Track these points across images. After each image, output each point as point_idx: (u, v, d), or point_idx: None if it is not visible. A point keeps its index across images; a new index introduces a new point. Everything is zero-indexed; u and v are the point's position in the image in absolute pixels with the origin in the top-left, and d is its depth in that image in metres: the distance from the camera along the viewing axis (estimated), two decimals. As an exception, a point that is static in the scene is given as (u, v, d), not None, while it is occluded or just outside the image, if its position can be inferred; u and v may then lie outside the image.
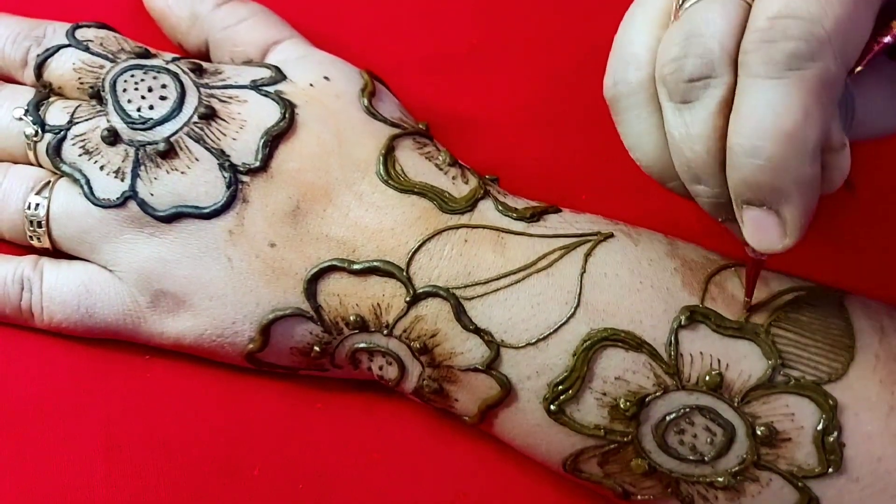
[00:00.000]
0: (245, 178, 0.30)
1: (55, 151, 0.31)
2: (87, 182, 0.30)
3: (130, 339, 0.32)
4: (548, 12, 0.39)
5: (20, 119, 0.31)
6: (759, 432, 0.28)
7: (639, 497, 0.30)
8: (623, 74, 0.26)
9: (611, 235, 0.30)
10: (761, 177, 0.23)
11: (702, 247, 0.32)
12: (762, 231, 0.25)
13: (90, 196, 0.30)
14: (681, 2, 0.25)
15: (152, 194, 0.30)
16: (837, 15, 0.22)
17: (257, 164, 0.30)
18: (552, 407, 0.29)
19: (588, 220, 0.31)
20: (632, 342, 0.28)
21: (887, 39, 0.24)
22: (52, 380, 0.32)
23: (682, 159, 0.25)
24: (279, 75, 0.32)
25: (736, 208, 0.25)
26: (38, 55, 0.32)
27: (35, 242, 0.31)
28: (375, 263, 0.29)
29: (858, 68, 0.24)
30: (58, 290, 0.31)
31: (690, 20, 0.24)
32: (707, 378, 0.28)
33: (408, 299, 0.29)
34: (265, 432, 0.32)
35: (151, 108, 0.30)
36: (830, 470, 0.27)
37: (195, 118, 0.30)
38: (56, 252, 0.32)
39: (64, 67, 0.32)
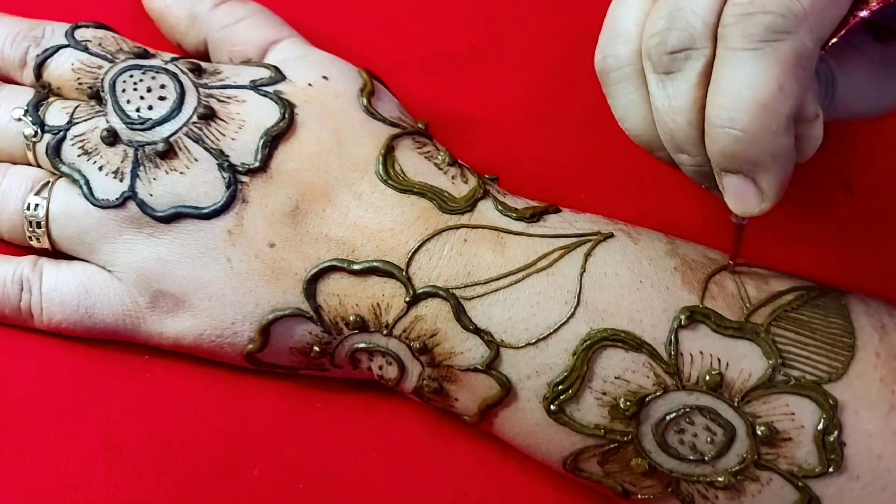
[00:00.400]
0: (244, 179, 0.30)
1: (54, 152, 0.30)
2: (87, 182, 0.30)
3: (130, 339, 0.32)
4: (546, 12, 0.38)
5: (19, 119, 0.31)
6: (759, 432, 0.28)
7: (639, 496, 0.30)
8: (612, 48, 0.27)
9: (610, 235, 0.30)
10: (737, 147, 0.25)
11: (702, 245, 0.32)
12: (741, 197, 0.26)
13: (89, 196, 0.30)
14: None
15: (151, 195, 0.30)
16: None
17: (256, 164, 0.30)
18: (552, 406, 0.29)
19: (588, 219, 0.31)
20: (632, 342, 0.28)
21: (863, 14, 0.25)
22: (52, 380, 0.32)
23: (666, 130, 0.26)
24: (278, 75, 0.32)
25: (716, 175, 0.26)
26: (37, 55, 0.32)
27: (34, 243, 0.31)
28: (375, 263, 0.29)
29: (833, 40, 0.25)
30: (57, 291, 0.31)
31: None
32: (707, 378, 0.28)
33: (407, 299, 0.29)
34: (265, 432, 0.32)
35: (150, 108, 0.30)
36: (831, 469, 0.27)
37: (194, 118, 0.30)
38: (55, 252, 0.32)
39: (63, 68, 0.32)
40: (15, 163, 0.32)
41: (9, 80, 0.33)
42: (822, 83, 0.27)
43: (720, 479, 0.28)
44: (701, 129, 0.26)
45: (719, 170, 0.26)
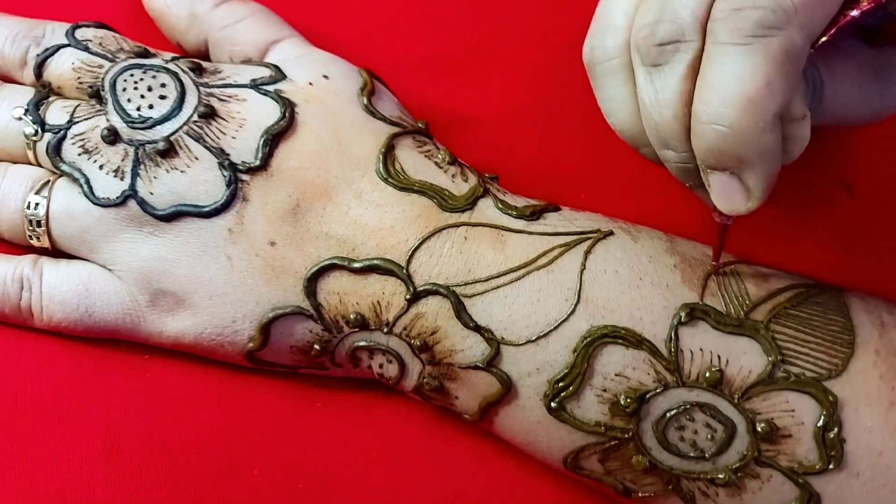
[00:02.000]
0: (245, 177, 0.30)
1: (55, 151, 0.30)
2: (87, 181, 0.30)
3: (130, 338, 0.32)
4: (546, 11, 0.38)
5: (20, 119, 0.31)
6: (759, 429, 0.28)
7: (640, 494, 0.30)
8: (601, 41, 0.27)
9: (610, 233, 0.30)
10: (723, 144, 0.24)
11: (701, 244, 0.32)
12: (727, 195, 0.26)
13: (90, 195, 0.30)
14: None
15: (152, 193, 0.30)
16: None
17: (257, 162, 0.30)
18: (552, 404, 0.29)
19: (587, 217, 0.31)
20: (632, 339, 0.28)
21: (854, 13, 0.24)
22: (52, 379, 0.32)
23: (652, 124, 0.26)
24: (278, 74, 0.32)
25: (702, 173, 0.26)
26: (37, 55, 0.32)
27: (34, 242, 0.31)
28: (375, 261, 0.29)
29: (823, 39, 0.25)
30: (57, 290, 0.31)
31: None
32: (707, 374, 0.28)
33: (408, 297, 0.29)
34: (265, 432, 0.32)
35: (151, 107, 0.30)
36: (831, 466, 0.27)
37: (195, 117, 0.30)
38: (56, 251, 0.32)
39: (63, 67, 0.32)
40: (15, 162, 0.32)
41: (9, 80, 0.33)
42: (809, 85, 0.26)
43: (720, 476, 0.28)
44: (687, 123, 0.25)
45: (705, 167, 0.25)
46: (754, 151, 0.24)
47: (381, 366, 0.31)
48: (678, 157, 0.26)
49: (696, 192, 0.27)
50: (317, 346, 0.30)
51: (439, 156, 0.32)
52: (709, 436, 0.28)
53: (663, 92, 0.25)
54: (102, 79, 0.31)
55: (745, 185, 0.25)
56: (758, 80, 0.23)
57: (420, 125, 0.33)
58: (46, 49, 0.32)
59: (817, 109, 0.27)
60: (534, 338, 0.29)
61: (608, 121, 0.28)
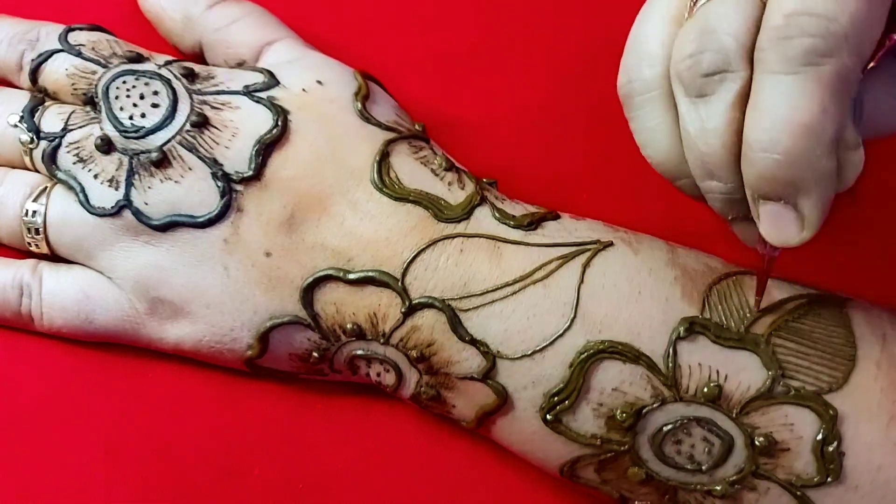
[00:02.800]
0: (239, 187, 0.30)
1: (50, 159, 0.30)
2: (83, 190, 0.30)
3: (131, 343, 0.32)
4: (549, 12, 0.38)
5: (15, 126, 0.31)
6: (757, 443, 0.27)
7: (636, 503, 0.30)
8: (637, 71, 0.26)
9: (610, 244, 0.30)
10: (778, 171, 0.23)
11: (703, 252, 0.31)
12: (779, 225, 0.25)
13: (85, 204, 0.30)
14: (694, 0, 0.25)
15: (147, 203, 0.30)
16: (853, 12, 0.22)
17: (250, 172, 0.29)
18: (548, 416, 0.28)
19: (588, 226, 0.31)
20: (629, 354, 0.28)
21: None
22: (53, 381, 0.32)
23: (697, 154, 0.25)
24: (272, 80, 0.31)
25: (751, 203, 0.25)
26: (31, 60, 0.32)
27: (33, 248, 0.31)
28: (371, 273, 0.29)
29: (871, 64, 0.24)
30: (57, 296, 0.31)
31: (705, 17, 0.24)
32: (705, 390, 0.28)
33: (403, 310, 0.29)
34: (265, 433, 0.32)
35: (143, 116, 0.30)
36: (829, 479, 0.27)
37: (187, 126, 0.30)
38: (55, 256, 0.32)
39: (58, 73, 0.32)
40: (13, 167, 0.32)
41: (6, 84, 0.33)
42: (854, 106, 0.26)
43: (717, 488, 0.28)
44: (735, 152, 0.24)
45: (756, 196, 0.25)
46: (811, 178, 0.24)
47: (378, 374, 0.31)
48: (724, 187, 0.25)
49: (736, 226, 0.27)
50: (315, 354, 0.30)
51: (436, 162, 0.31)
52: (706, 449, 0.28)
53: (710, 121, 0.24)
54: (96, 85, 0.31)
55: (800, 213, 0.25)
56: (813, 107, 0.23)
57: (417, 128, 0.33)
58: (41, 54, 0.32)
59: (858, 126, 0.26)
60: (529, 352, 0.28)
61: (644, 152, 0.27)
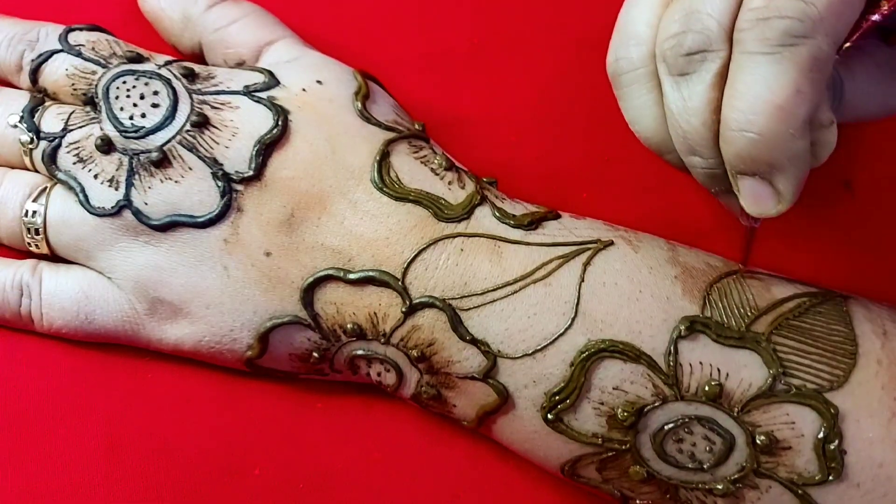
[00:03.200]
0: (239, 187, 0.30)
1: (50, 159, 0.30)
2: (82, 190, 0.30)
3: (130, 343, 0.32)
4: (548, 10, 0.38)
5: (15, 126, 0.31)
6: (758, 441, 0.27)
7: (637, 502, 0.30)
8: (625, 51, 0.27)
9: (610, 243, 0.30)
10: (754, 150, 0.25)
11: (704, 251, 0.31)
12: (757, 199, 0.26)
13: (85, 204, 0.30)
14: None
15: (146, 203, 0.30)
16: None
17: (250, 172, 0.29)
18: (549, 415, 0.28)
19: (588, 226, 0.31)
20: (630, 353, 0.28)
21: (875, 17, 0.25)
22: (54, 380, 0.32)
23: (679, 131, 0.26)
24: (272, 80, 0.31)
25: (731, 178, 0.26)
26: (31, 60, 0.32)
27: (33, 248, 0.31)
28: (371, 273, 0.29)
29: (846, 45, 0.25)
30: (57, 297, 0.31)
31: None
32: (706, 388, 0.27)
33: (404, 309, 0.29)
34: (265, 432, 0.32)
35: (144, 116, 0.30)
36: (831, 477, 0.27)
37: (188, 126, 0.30)
38: (55, 256, 0.32)
39: (57, 73, 0.32)
40: (13, 167, 0.32)
41: (7, 84, 0.33)
42: (830, 87, 0.27)
43: (719, 486, 0.28)
44: (715, 130, 0.26)
45: (735, 172, 0.26)
46: (785, 157, 0.25)
47: (378, 374, 0.31)
48: (705, 163, 0.27)
49: (721, 197, 0.28)
50: (315, 354, 0.30)
51: (436, 161, 0.31)
52: (707, 448, 0.28)
53: (691, 100, 0.26)
54: (96, 86, 0.31)
55: (776, 188, 0.26)
56: (787, 87, 0.24)
57: (417, 127, 0.33)
58: (40, 55, 0.32)
59: (837, 109, 0.27)
60: (530, 351, 0.28)
61: (633, 129, 0.28)
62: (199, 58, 0.34)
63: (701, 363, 0.28)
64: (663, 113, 0.27)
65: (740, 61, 0.24)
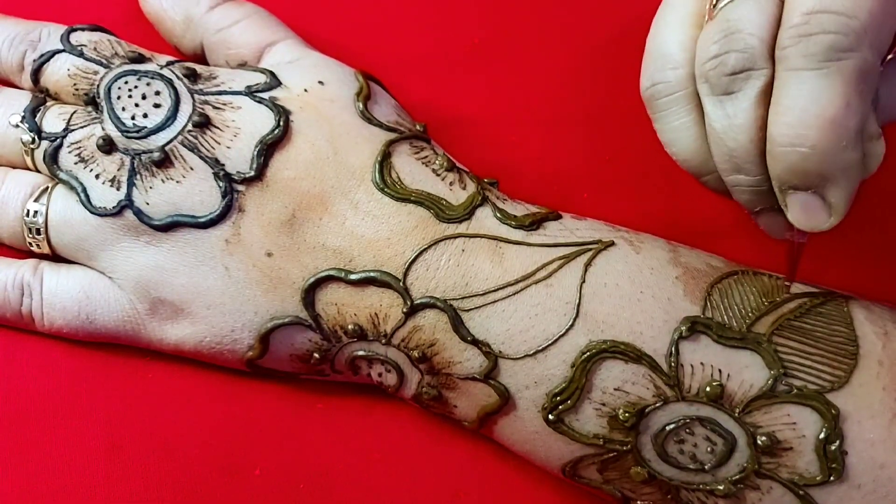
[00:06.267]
0: (240, 188, 0.30)
1: (52, 159, 0.30)
2: (84, 190, 0.30)
3: (131, 344, 0.32)
4: (550, 11, 0.38)
5: (17, 126, 0.31)
6: (760, 442, 0.27)
7: (638, 503, 0.30)
8: (661, 74, 0.27)
9: (611, 244, 0.30)
10: (806, 164, 0.25)
11: (705, 251, 0.31)
12: (808, 213, 0.26)
13: (87, 204, 0.30)
14: (714, 2, 0.26)
15: (148, 203, 0.30)
16: (870, 7, 0.23)
17: (252, 173, 0.29)
18: (550, 416, 0.28)
19: (589, 226, 0.31)
20: (631, 354, 0.28)
21: None
22: (54, 380, 0.32)
23: (724, 150, 0.26)
24: (273, 80, 0.31)
25: (778, 193, 0.26)
26: (33, 60, 0.32)
27: (35, 248, 0.31)
28: (372, 274, 0.29)
29: (889, 56, 0.25)
30: (58, 297, 0.31)
31: (727, 18, 0.25)
32: (708, 389, 0.27)
33: (405, 310, 0.29)
34: (266, 432, 0.32)
35: (145, 116, 0.30)
36: (832, 478, 0.27)
37: (189, 126, 0.30)
38: (56, 256, 0.32)
39: (59, 73, 0.32)
40: (14, 167, 0.32)
41: (8, 84, 0.33)
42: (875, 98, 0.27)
43: (720, 487, 0.28)
44: (761, 147, 0.26)
45: (785, 187, 0.26)
46: (837, 169, 0.25)
47: (379, 374, 0.31)
48: (752, 180, 0.27)
49: (761, 218, 0.28)
50: (316, 355, 0.30)
51: (437, 162, 0.31)
52: (708, 449, 0.28)
53: (737, 118, 0.26)
54: (97, 86, 0.31)
55: (828, 201, 0.26)
56: (836, 101, 0.24)
57: (418, 128, 0.33)
58: (42, 55, 0.32)
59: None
60: (532, 352, 0.28)
61: (669, 151, 0.28)
62: (201, 58, 0.34)
63: (702, 364, 0.28)
64: (703, 134, 0.27)
65: (786, 78, 0.24)
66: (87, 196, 0.30)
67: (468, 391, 0.30)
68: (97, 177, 0.30)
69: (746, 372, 0.28)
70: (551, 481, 0.32)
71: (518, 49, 0.37)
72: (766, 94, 0.25)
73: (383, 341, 0.30)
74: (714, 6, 0.26)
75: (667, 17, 0.28)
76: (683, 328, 0.28)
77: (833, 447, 0.27)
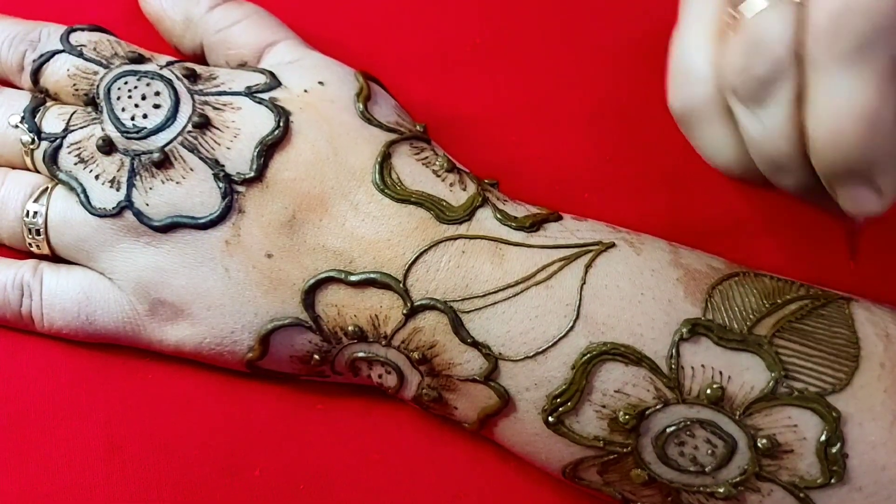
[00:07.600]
0: (240, 189, 0.29)
1: (51, 160, 0.30)
2: (84, 191, 0.30)
3: (131, 344, 0.32)
4: (551, 12, 0.38)
5: (16, 126, 0.31)
6: (760, 444, 0.27)
7: (639, 504, 0.30)
8: (690, 92, 0.27)
9: (612, 245, 0.30)
10: (849, 159, 0.25)
11: (706, 253, 0.31)
12: (859, 201, 0.26)
13: (86, 205, 0.30)
14: (734, 14, 0.26)
15: (148, 204, 0.29)
16: (892, 3, 0.23)
17: (252, 173, 0.29)
18: (550, 418, 0.28)
19: (590, 227, 0.31)
20: (632, 356, 0.28)
21: None
22: (54, 380, 0.32)
23: (764, 156, 0.27)
24: (273, 81, 0.31)
25: (828, 187, 0.27)
26: (33, 61, 0.32)
27: (34, 249, 0.31)
28: (372, 275, 0.29)
29: None
30: (58, 297, 0.31)
31: (752, 31, 0.25)
32: (708, 391, 0.27)
33: (405, 311, 0.29)
34: (266, 433, 0.32)
35: (145, 116, 0.30)
36: (833, 480, 0.27)
37: (189, 127, 0.30)
38: (56, 257, 0.32)
39: (59, 74, 0.32)
40: (14, 167, 0.32)
41: (8, 84, 0.33)
42: None
43: (720, 490, 0.28)
44: (801, 147, 0.26)
45: (832, 181, 0.26)
46: (883, 157, 0.25)
47: (380, 376, 0.31)
48: (797, 179, 0.27)
49: (819, 203, 0.28)
50: (316, 356, 0.30)
51: (437, 163, 0.31)
52: (709, 451, 0.28)
53: (773, 127, 0.26)
54: (97, 86, 0.31)
55: (876, 186, 0.26)
56: (871, 95, 0.24)
57: (419, 129, 0.33)
58: (42, 55, 0.32)
59: None
60: (532, 354, 0.28)
61: (712, 163, 0.29)
62: (201, 59, 0.34)
63: (703, 366, 0.28)
64: (741, 143, 0.27)
65: (818, 79, 0.24)
66: (86, 197, 0.30)
67: (468, 393, 0.30)
68: (97, 177, 0.30)
69: (747, 374, 0.28)
70: (551, 483, 0.32)
71: (518, 49, 0.37)
72: (799, 96, 0.25)
73: (383, 343, 0.30)
74: (733, 18, 0.26)
75: (687, 33, 0.28)
76: (684, 330, 0.28)
77: (834, 450, 0.27)
